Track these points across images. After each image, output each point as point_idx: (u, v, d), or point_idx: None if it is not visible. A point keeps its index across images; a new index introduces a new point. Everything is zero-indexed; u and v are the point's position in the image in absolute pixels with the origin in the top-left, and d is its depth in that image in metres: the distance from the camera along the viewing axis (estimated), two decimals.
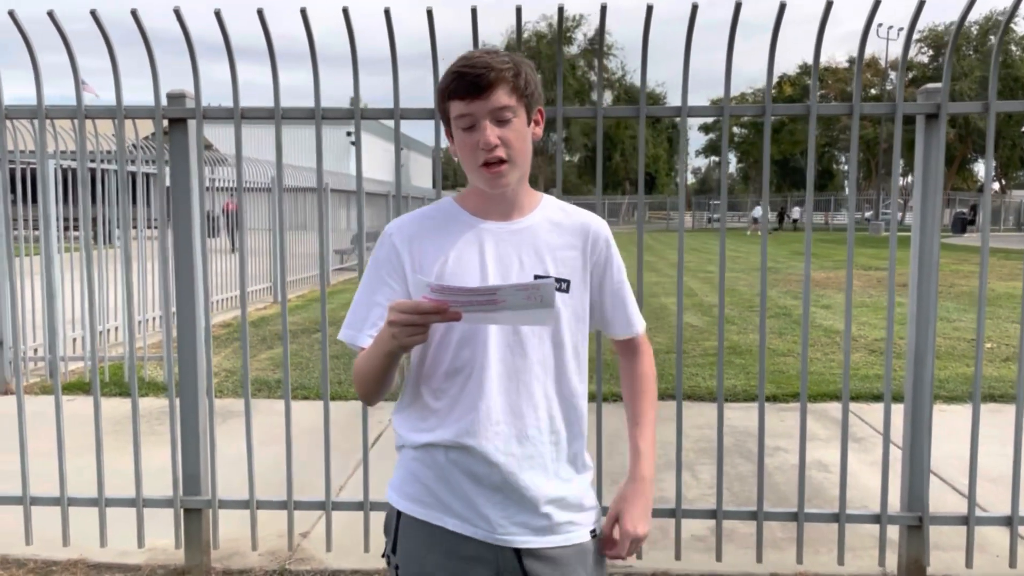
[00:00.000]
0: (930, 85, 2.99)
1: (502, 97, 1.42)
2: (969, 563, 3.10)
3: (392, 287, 1.51)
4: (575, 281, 1.53)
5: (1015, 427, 3.07)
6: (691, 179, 76.87)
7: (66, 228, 7.47)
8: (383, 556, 1.59)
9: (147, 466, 3.34)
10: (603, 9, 2.95)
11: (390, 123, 3.24)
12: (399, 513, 1.53)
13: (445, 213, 1.55)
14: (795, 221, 43.30)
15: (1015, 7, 2.75)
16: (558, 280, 1.51)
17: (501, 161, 1.44)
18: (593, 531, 1.57)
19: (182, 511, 3.27)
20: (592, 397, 3.30)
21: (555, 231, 1.54)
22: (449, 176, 72.54)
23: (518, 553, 1.48)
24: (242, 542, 3.39)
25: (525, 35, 48.83)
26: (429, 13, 2.93)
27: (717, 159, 66.05)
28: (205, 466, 3.28)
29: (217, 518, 3.28)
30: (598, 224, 1.59)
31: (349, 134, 33.15)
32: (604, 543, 1.60)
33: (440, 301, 1.26)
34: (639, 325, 1.66)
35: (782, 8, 2.82)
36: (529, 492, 1.48)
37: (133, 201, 7.60)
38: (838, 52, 75.72)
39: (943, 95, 2.93)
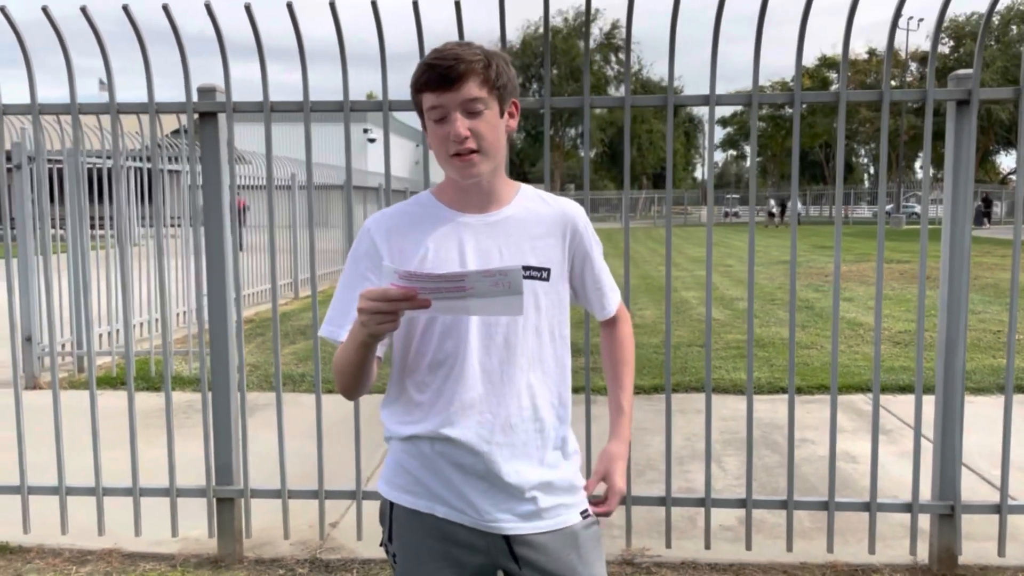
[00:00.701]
0: (960, 71, 2.97)
1: (472, 89, 1.42)
2: (1002, 552, 3.08)
3: (372, 281, 1.51)
4: (555, 269, 1.54)
5: None
6: (707, 172, 76.53)
7: (92, 226, 7.56)
8: (380, 545, 1.61)
9: (179, 458, 3.39)
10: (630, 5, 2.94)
11: (405, 119, 3.25)
12: (391, 504, 1.56)
13: (423, 207, 1.55)
14: (774, 214, 42.73)
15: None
16: (538, 269, 1.51)
17: (472, 151, 1.44)
18: (584, 511, 1.58)
19: (215, 500, 3.32)
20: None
21: (533, 221, 1.54)
22: None
23: (507, 539, 1.50)
24: (273, 531, 3.43)
25: (539, 30, 49.04)
26: (457, 6, 2.94)
27: (735, 153, 65.69)
28: (237, 456, 3.33)
29: (249, 507, 3.32)
30: (575, 210, 1.60)
31: (366, 131, 33.25)
32: (593, 502, 1.62)
33: (408, 288, 1.25)
34: (613, 304, 1.69)
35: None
36: (514, 479, 1.49)
37: (144, 199, 7.66)
38: (856, 43, 74.97)
39: (974, 81, 2.90)
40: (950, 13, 44.47)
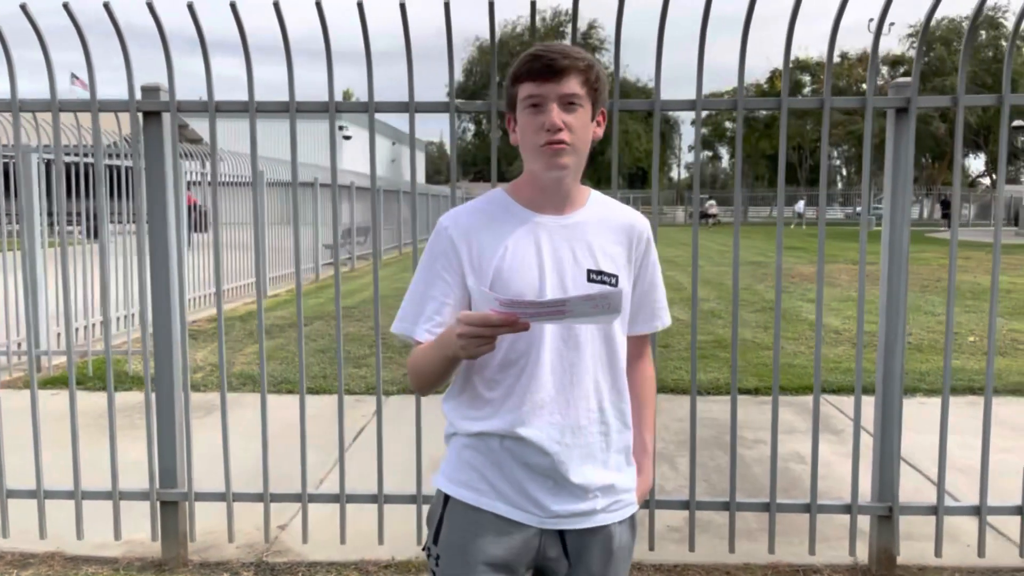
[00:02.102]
0: (900, 80, 3.02)
1: (573, 84, 1.46)
2: (938, 552, 3.13)
3: (447, 281, 1.53)
4: (621, 277, 1.57)
5: (983, 417, 3.10)
6: (684, 174, 76.91)
7: (51, 223, 7.45)
8: (423, 549, 1.61)
9: (127, 459, 3.35)
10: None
11: (380, 117, 3.24)
12: (446, 500, 1.56)
13: (498, 205, 1.57)
14: (712, 216, 43.16)
15: (980, 4, 2.77)
16: (609, 275, 1.54)
17: (563, 142, 1.47)
18: (632, 516, 1.63)
19: (159, 504, 3.28)
20: None
21: (604, 227, 1.57)
22: (442, 171, 72.38)
23: (562, 534, 1.53)
24: (220, 534, 3.41)
25: (518, 30, 49.08)
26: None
27: (710, 154, 66.12)
28: (181, 459, 3.30)
29: (193, 510, 3.29)
30: (643, 223, 1.63)
31: (342, 128, 33.08)
32: None
33: (509, 314, 1.29)
34: (661, 321, 1.68)
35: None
36: (579, 480, 1.52)
37: (117, 195, 7.57)
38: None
39: (912, 89, 2.95)
40: (919, 18, 45.14)
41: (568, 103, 1.46)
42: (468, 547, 1.53)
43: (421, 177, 50.61)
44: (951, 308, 3.10)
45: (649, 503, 3.18)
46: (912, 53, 45.69)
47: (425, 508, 3.07)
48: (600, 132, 1.56)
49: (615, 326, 1.56)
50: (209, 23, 3.05)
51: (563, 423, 1.51)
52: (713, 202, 43.63)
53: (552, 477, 1.51)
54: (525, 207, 1.55)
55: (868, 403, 3.26)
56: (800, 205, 40.50)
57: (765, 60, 51.61)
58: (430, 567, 1.58)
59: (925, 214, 48.20)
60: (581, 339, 1.52)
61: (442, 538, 1.56)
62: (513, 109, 1.52)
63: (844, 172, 62.09)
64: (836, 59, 49.35)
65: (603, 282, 1.52)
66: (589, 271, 1.52)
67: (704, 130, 62.14)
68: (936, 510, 3.13)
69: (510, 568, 1.54)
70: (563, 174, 1.51)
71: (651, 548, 3.21)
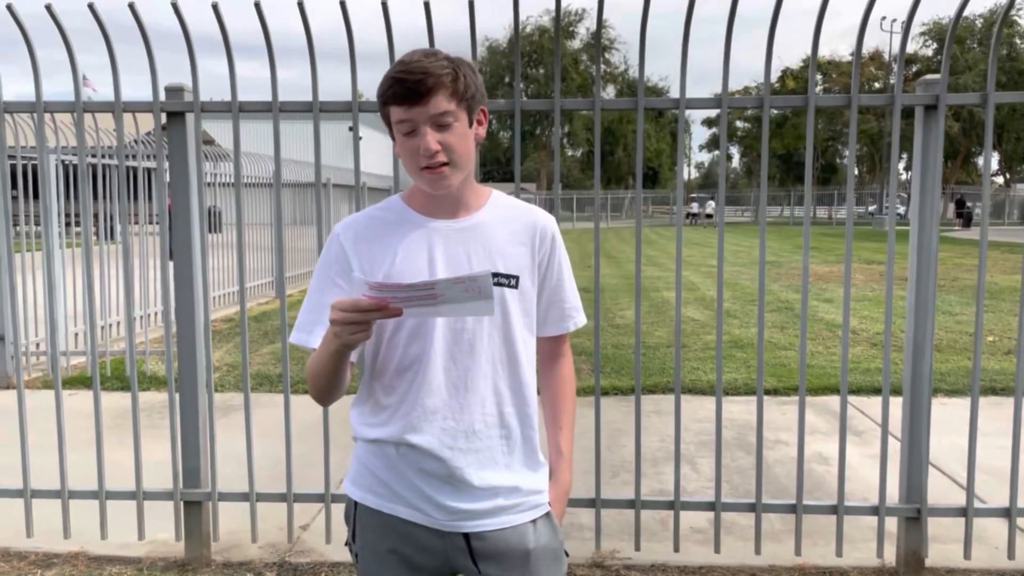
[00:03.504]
0: (929, 76, 2.99)
1: (441, 103, 1.41)
2: (967, 555, 3.10)
3: (341, 287, 1.51)
4: (524, 277, 1.54)
5: (1014, 419, 3.07)
6: (694, 173, 76.64)
7: (68, 224, 7.49)
8: (345, 544, 1.62)
9: (149, 460, 3.36)
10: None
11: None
12: (356, 504, 1.57)
13: (393, 212, 1.55)
14: (709, 216, 43.11)
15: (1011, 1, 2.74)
16: (507, 276, 1.51)
17: (442, 164, 1.44)
18: (547, 513, 1.58)
19: (182, 504, 3.29)
20: (591, 391, 3.32)
21: (503, 228, 1.54)
22: None
23: (467, 538, 1.51)
24: (242, 534, 3.41)
25: (528, 30, 49.02)
26: (427, 6, 2.92)
27: (719, 153, 65.95)
28: (205, 459, 3.30)
29: (217, 510, 3.29)
30: (545, 220, 1.59)
31: (351, 128, 33.13)
32: None
33: (379, 298, 1.27)
34: (573, 322, 1.64)
35: (779, 3, 2.81)
36: (477, 484, 1.50)
37: (135, 196, 7.61)
38: (841, 46, 75.24)
39: (941, 86, 2.92)
40: (935, 15, 44.89)
41: (440, 123, 1.42)
42: (380, 547, 1.54)
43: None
44: (980, 308, 3.07)
45: (673, 504, 3.16)
46: (925, 51, 45.42)
47: None
48: (483, 131, 1.52)
49: (516, 329, 1.52)
50: (229, 24, 3.05)
51: (456, 428, 1.49)
52: (712, 202, 43.61)
53: (449, 482, 1.49)
54: (419, 213, 1.53)
55: (893, 403, 3.22)
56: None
57: (776, 59, 51.37)
58: (353, 561, 1.60)
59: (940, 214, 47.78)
60: (477, 344, 1.49)
61: (358, 537, 1.57)
62: (390, 127, 1.49)
63: (856, 171, 61.77)
64: (848, 57, 48.90)
65: (500, 284, 1.49)
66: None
67: (714, 129, 62.01)
68: (965, 512, 3.10)
69: (422, 569, 1.53)
70: (449, 191, 1.49)
71: (676, 550, 3.19)
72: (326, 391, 1.49)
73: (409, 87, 1.40)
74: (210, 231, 11.18)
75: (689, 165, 75.44)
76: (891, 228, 3.07)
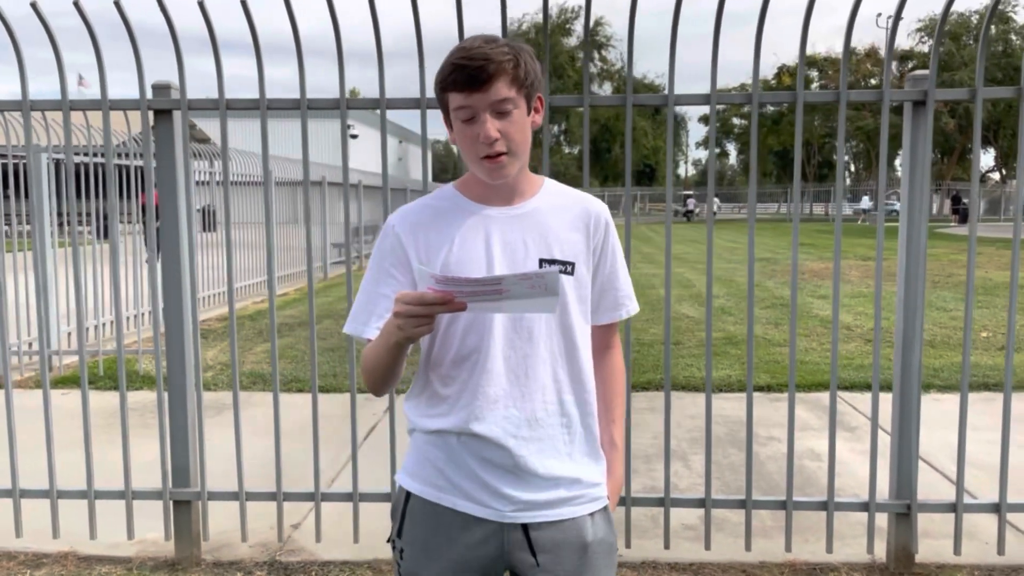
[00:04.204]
0: (917, 72, 2.98)
1: (502, 89, 1.40)
2: (957, 550, 3.10)
3: (397, 278, 1.50)
4: (579, 264, 1.53)
5: (1003, 415, 3.07)
6: (691, 171, 76.67)
7: (60, 223, 7.47)
8: (388, 541, 1.59)
9: (140, 459, 3.35)
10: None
11: (390, 115, 3.23)
12: (408, 496, 1.54)
13: (447, 200, 1.54)
14: (691, 212, 43.19)
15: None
16: (563, 263, 1.50)
17: (501, 153, 1.43)
18: (604, 507, 1.57)
19: (171, 503, 3.28)
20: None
21: (558, 214, 1.54)
22: (449, 169, 72.34)
23: (526, 529, 1.49)
24: (233, 534, 3.40)
25: (524, 27, 48.91)
26: (414, 3, 2.91)
27: (718, 150, 65.93)
28: (194, 458, 3.29)
29: (206, 510, 3.28)
30: (599, 207, 1.59)
31: (349, 127, 33.12)
32: None
33: (445, 292, 1.26)
34: (626, 309, 1.63)
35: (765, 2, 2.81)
36: (541, 472, 1.49)
37: (128, 195, 7.58)
38: (837, 42, 75.26)
39: (930, 81, 2.91)
40: (932, 12, 44.84)
41: (500, 111, 1.41)
42: (429, 543, 1.51)
43: (429, 175, 50.57)
44: (970, 304, 3.07)
45: (664, 501, 3.16)
46: (922, 48, 45.43)
47: None
48: (539, 119, 1.51)
49: (573, 316, 1.51)
50: (215, 22, 3.04)
51: (519, 416, 1.48)
52: (715, 199, 43.70)
53: (512, 472, 1.48)
54: (474, 201, 1.52)
55: (884, 400, 3.23)
56: (865, 201, 39.91)
57: (773, 56, 51.34)
58: (394, 559, 1.57)
59: (935, 210, 47.94)
60: (535, 331, 1.48)
61: (405, 532, 1.54)
62: (446, 113, 1.48)
63: (852, 168, 61.84)
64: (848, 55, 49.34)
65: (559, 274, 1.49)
66: (541, 260, 1.48)
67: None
68: (955, 507, 3.10)
69: (473, 566, 1.50)
70: (507, 179, 1.48)
71: (666, 547, 3.18)
72: (382, 382, 1.48)
73: (470, 73, 1.39)
74: (205, 230, 11.19)
75: (686, 162, 75.43)
76: (880, 224, 3.07)
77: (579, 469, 1.53)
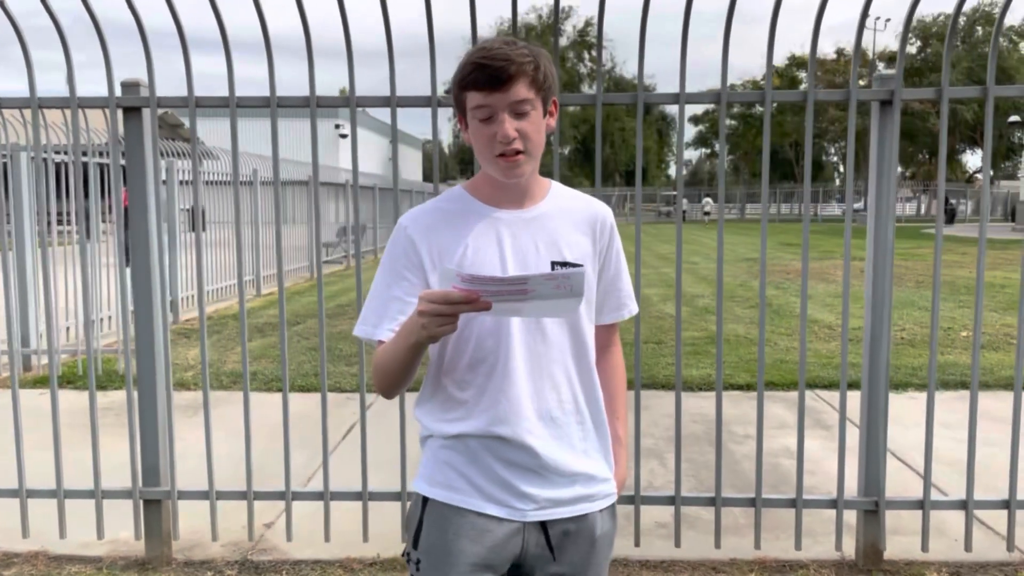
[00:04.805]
0: (884, 71, 3.00)
1: (521, 90, 1.42)
2: (925, 547, 3.12)
3: (410, 280, 1.51)
4: (587, 266, 1.55)
5: (970, 413, 3.09)
6: (681, 171, 76.92)
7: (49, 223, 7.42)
8: (403, 555, 1.58)
9: (113, 459, 3.33)
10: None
11: (378, 115, 3.23)
12: (425, 502, 1.54)
13: (458, 202, 1.55)
14: (706, 214, 43.35)
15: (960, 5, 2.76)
16: (573, 266, 1.52)
17: (517, 152, 1.45)
18: (613, 505, 1.61)
19: (141, 502, 3.26)
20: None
21: (566, 217, 1.56)
22: (441, 169, 72.33)
23: (545, 527, 1.52)
24: (204, 533, 3.39)
25: (508, 26, 48.89)
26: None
27: (707, 151, 66.10)
28: (165, 457, 3.28)
29: (176, 509, 3.27)
30: (604, 210, 1.62)
31: (338, 126, 33.04)
32: None
33: (470, 291, 1.26)
34: (628, 309, 1.67)
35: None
36: (560, 469, 1.51)
37: (108, 194, 7.55)
38: (825, 43, 75.48)
39: (896, 81, 2.93)
40: (919, 13, 45.07)
41: (518, 111, 1.43)
42: (451, 547, 1.50)
43: (417, 175, 50.55)
44: (936, 301, 3.09)
45: (634, 499, 3.16)
46: (909, 49, 45.66)
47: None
48: (553, 122, 1.54)
49: (582, 317, 1.54)
50: (191, 20, 3.04)
51: (539, 417, 1.50)
52: (709, 200, 43.82)
53: (536, 471, 1.50)
54: (485, 203, 1.54)
55: (854, 397, 3.24)
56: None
57: (760, 56, 51.48)
58: (411, 572, 1.55)
59: (923, 210, 48.20)
60: (549, 332, 1.51)
61: (422, 541, 1.53)
62: (462, 112, 1.49)
63: (840, 169, 62.13)
64: (832, 55, 49.20)
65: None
66: (553, 263, 1.51)
67: (701, 127, 62.24)
68: (923, 504, 3.12)
69: (493, 567, 1.51)
70: (520, 180, 1.50)
71: (636, 544, 3.19)
72: (396, 383, 1.48)
73: (491, 73, 1.41)
74: (192, 230, 11.14)
75: (676, 163, 75.49)
76: (847, 222, 3.09)
77: (593, 465, 1.56)
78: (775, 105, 3.57)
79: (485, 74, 1.41)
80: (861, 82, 46.04)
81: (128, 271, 3.19)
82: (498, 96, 1.41)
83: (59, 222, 7.10)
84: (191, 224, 11.36)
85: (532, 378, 1.50)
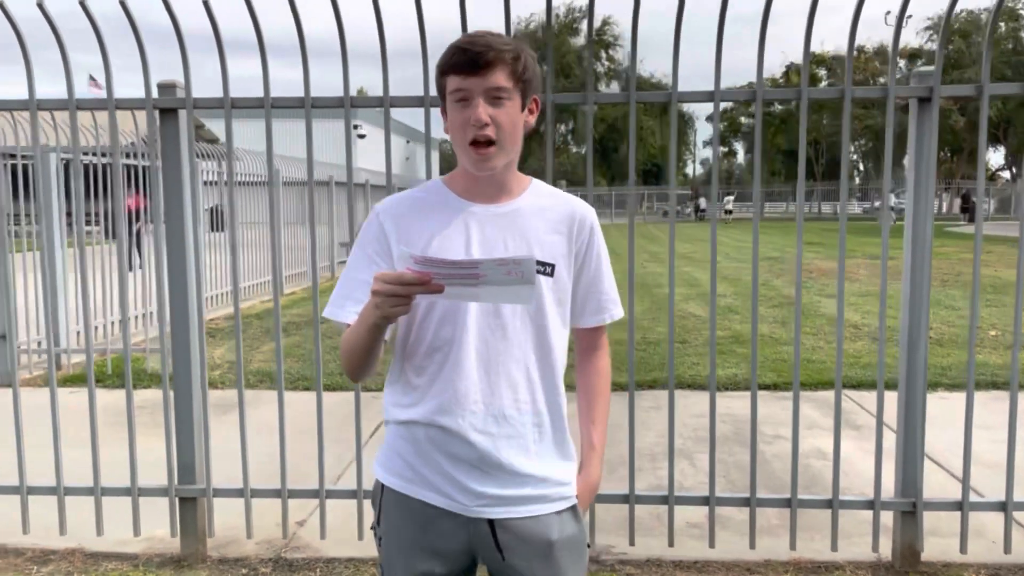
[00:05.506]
0: (923, 68, 2.97)
1: (499, 77, 1.43)
2: (963, 549, 3.09)
3: (379, 265, 1.52)
4: (560, 266, 1.53)
5: (1009, 413, 3.05)
6: (699, 169, 76.58)
7: (69, 223, 7.50)
8: (371, 528, 1.63)
9: (147, 457, 3.36)
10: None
11: (393, 114, 3.24)
12: (383, 487, 1.57)
13: (434, 194, 1.56)
14: (728, 212, 43.13)
15: None
16: (543, 264, 1.51)
17: (489, 142, 1.44)
18: (573, 506, 1.58)
19: (177, 500, 3.29)
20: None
21: (542, 215, 1.54)
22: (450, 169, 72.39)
23: (492, 526, 1.51)
24: (238, 530, 3.41)
25: (532, 26, 48.93)
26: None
27: (726, 149, 65.70)
28: (200, 455, 3.30)
29: (211, 506, 3.30)
30: (584, 209, 1.59)
31: (356, 127, 33.21)
32: None
33: (423, 272, 1.28)
34: (609, 314, 1.63)
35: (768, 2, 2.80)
36: (506, 468, 1.50)
37: (138, 193, 7.62)
38: (845, 41, 74.94)
39: (935, 78, 2.90)
40: (938, 9, 44.60)
41: (495, 97, 1.44)
42: (401, 532, 1.54)
43: (435, 174, 50.54)
44: (976, 302, 3.05)
45: (668, 499, 3.15)
46: (930, 46, 45.20)
47: None
48: (533, 120, 1.53)
49: (549, 318, 1.52)
50: (223, 22, 3.06)
51: (487, 412, 1.49)
52: (731, 198, 43.63)
53: (478, 467, 1.49)
54: (460, 196, 1.54)
55: (890, 398, 3.21)
56: (891, 199, 39.74)
57: (781, 55, 51.20)
58: (377, 545, 1.60)
59: (944, 208, 47.68)
60: (509, 329, 1.49)
61: (382, 521, 1.58)
62: (443, 98, 1.50)
63: (861, 167, 61.57)
64: (855, 52, 49.04)
65: (536, 271, 1.49)
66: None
67: (720, 125, 61.81)
68: (961, 506, 3.08)
69: (441, 555, 1.53)
70: (492, 173, 1.50)
71: (671, 544, 3.18)
72: (359, 367, 1.49)
73: (470, 57, 1.43)
74: (213, 229, 11.22)
75: (694, 161, 75.19)
76: (885, 222, 3.06)
77: (548, 468, 1.54)
78: (793, 103, 3.54)
79: (464, 58, 1.43)
80: (881, 79, 45.64)
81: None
82: (475, 80, 1.43)
83: (87, 222, 7.17)
84: (213, 224, 11.44)
85: (486, 373, 1.49)
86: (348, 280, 1.55)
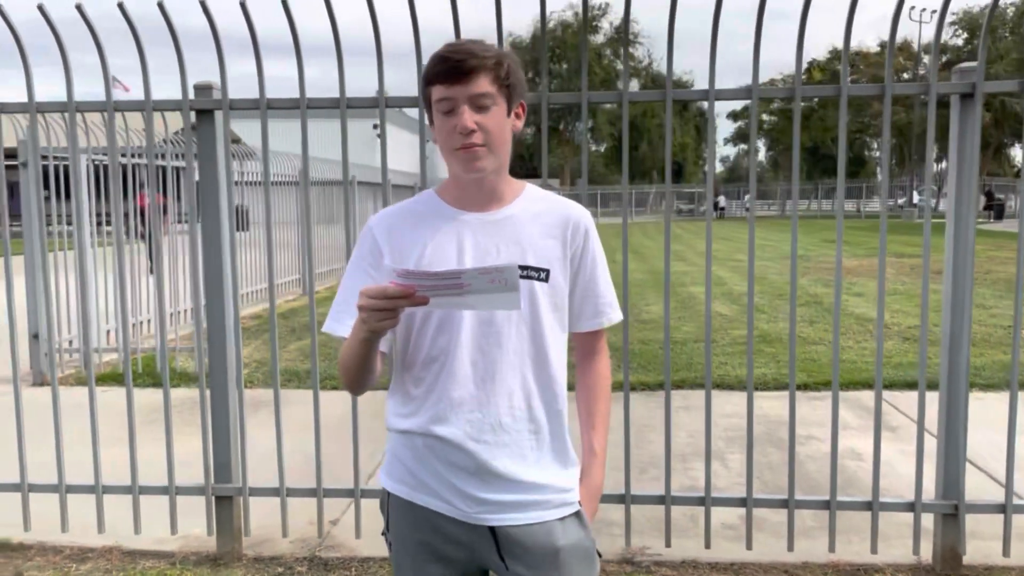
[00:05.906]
0: (965, 64, 2.92)
1: (483, 84, 1.43)
2: (1006, 552, 3.04)
3: (373, 278, 1.52)
4: (555, 271, 1.53)
5: None
6: (719, 168, 76.11)
7: (99, 223, 7.59)
8: (382, 534, 1.64)
9: (180, 455, 3.39)
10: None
11: (411, 113, 3.25)
12: (389, 494, 1.59)
13: (426, 205, 1.57)
14: (722, 209, 42.88)
15: None
16: (537, 269, 1.51)
17: (477, 145, 1.45)
18: (577, 512, 1.56)
19: (213, 499, 3.32)
20: (619, 387, 3.30)
21: (535, 221, 1.54)
22: None
23: (493, 533, 1.51)
24: (273, 529, 3.43)
25: (551, 24, 48.83)
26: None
27: (746, 147, 65.27)
28: (236, 454, 3.32)
29: (247, 505, 3.32)
30: (579, 213, 1.58)
31: (375, 126, 33.34)
32: None
33: (406, 286, 1.29)
34: (607, 317, 1.61)
35: None
36: (504, 476, 1.50)
37: (165, 194, 7.69)
38: (868, 37, 74.05)
39: (978, 74, 2.86)
40: (965, 4, 44.12)
41: (480, 104, 1.44)
42: (408, 537, 1.55)
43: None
44: (1020, 301, 3.00)
45: (704, 500, 3.13)
46: (956, 41, 44.63)
47: None
48: (520, 124, 1.53)
49: (545, 323, 1.51)
50: (256, 23, 3.07)
51: (482, 420, 1.49)
52: (723, 197, 43.70)
53: (476, 474, 1.49)
54: (451, 205, 1.54)
55: (916, 398, 3.17)
56: (916, 197, 39.31)
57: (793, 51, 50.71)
58: (388, 551, 1.62)
59: None
60: (504, 336, 1.49)
61: (391, 526, 1.59)
62: (430, 110, 1.50)
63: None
64: (875, 48, 48.27)
65: (529, 277, 1.49)
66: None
67: (740, 123, 61.38)
68: (1004, 508, 3.04)
69: (447, 559, 1.53)
70: (481, 176, 1.49)
71: (707, 546, 3.16)
72: (355, 380, 1.51)
73: (453, 65, 1.43)
74: (238, 229, 11.28)
75: (714, 159, 74.74)
76: (927, 220, 3.02)
77: (547, 475, 1.53)
78: (816, 100, 3.50)
79: (447, 66, 1.43)
80: (905, 75, 45.19)
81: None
82: (459, 88, 1.43)
83: (108, 222, 7.26)
84: (238, 224, 11.51)
85: (481, 381, 1.49)
86: (344, 294, 1.56)
